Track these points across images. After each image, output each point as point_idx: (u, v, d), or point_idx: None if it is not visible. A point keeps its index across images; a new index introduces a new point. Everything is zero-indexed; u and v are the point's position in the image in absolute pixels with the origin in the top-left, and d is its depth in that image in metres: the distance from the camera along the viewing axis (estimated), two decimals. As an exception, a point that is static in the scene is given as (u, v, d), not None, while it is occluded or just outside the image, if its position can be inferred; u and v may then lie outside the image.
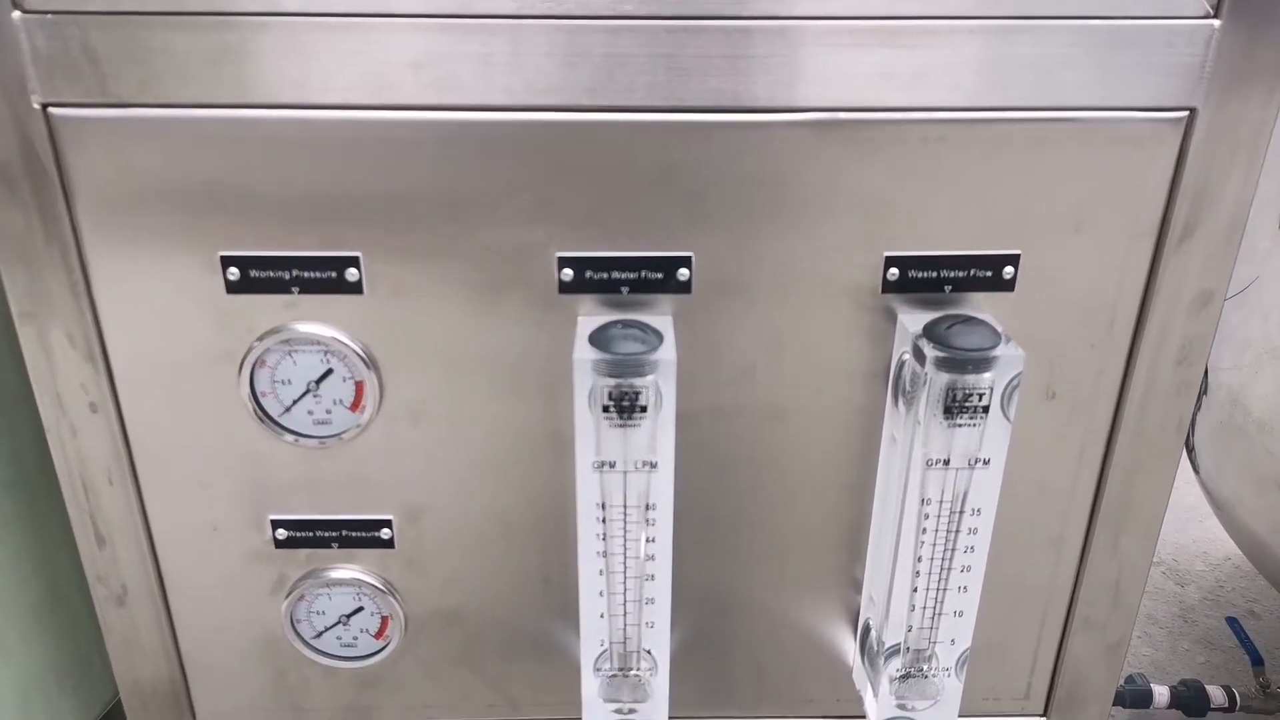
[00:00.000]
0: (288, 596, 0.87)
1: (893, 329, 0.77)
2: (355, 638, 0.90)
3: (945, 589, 0.80)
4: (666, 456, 0.74)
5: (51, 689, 1.04)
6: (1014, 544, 0.86)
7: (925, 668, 0.83)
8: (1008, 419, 0.73)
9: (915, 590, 0.80)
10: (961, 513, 0.77)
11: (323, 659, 0.91)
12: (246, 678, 0.92)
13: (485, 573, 0.87)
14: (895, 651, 0.83)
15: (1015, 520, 0.84)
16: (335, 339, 0.76)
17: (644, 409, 0.71)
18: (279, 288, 0.75)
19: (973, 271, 0.76)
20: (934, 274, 0.75)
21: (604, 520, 0.76)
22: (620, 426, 0.72)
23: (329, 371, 0.78)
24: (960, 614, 0.81)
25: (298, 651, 0.90)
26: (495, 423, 0.80)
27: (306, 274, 0.74)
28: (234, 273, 0.74)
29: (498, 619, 0.89)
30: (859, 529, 0.86)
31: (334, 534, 0.85)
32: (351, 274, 0.74)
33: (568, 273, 0.75)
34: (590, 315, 0.76)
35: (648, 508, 0.76)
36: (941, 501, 0.77)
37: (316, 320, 0.76)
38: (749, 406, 0.80)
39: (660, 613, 0.81)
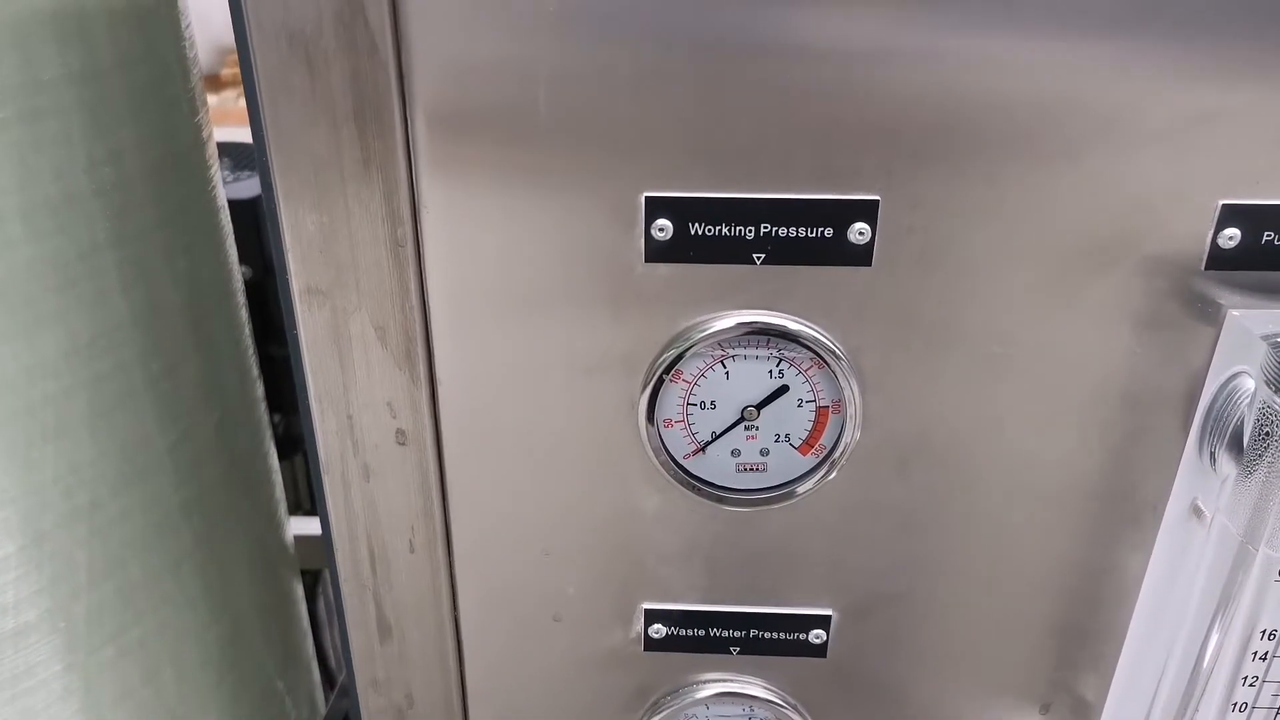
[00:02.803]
0: (647, 717, 0.58)
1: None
2: (736, 776, 0.61)
3: None
4: None
5: None
6: None
7: None
8: None
9: None
10: None
11: (682, 803, 0.62)
12: (567, 822, 0.63)
13: (945, 691, 0.57)
14: None
15: None
16: (806, 334, 0.46)
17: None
18: (732, 252, 0.45)
19: None
20: None
21: (1261, 655, 0.45)
22: (1342, 504, 0.41)
23: (781, 390, 0.48)
24: None
25: (648, 792, 0.61)
26: (1027, 473, 0.50)
27: (781, 231, 0.44)
28: (663, 227, 0.44)
29: (948, 757, 0.59)
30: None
31: (737, 634, 0.56)
32: (859, 232, 0.44)
33: (1231, 234, 0.43)
34: (1246, 309, 0.45)
35: (1340, 635, 0.45)
36: None
37: (778, 308, 0.46)
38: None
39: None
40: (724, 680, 0.57)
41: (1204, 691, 0.46)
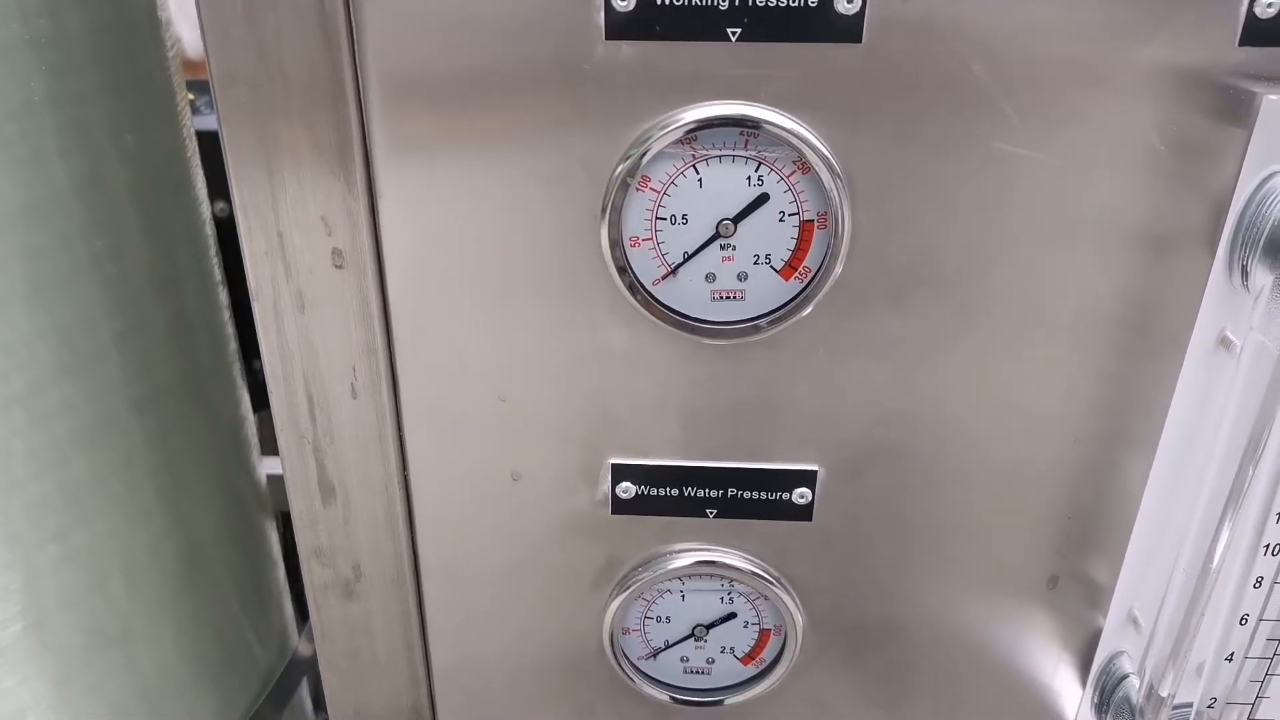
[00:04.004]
0: (618, 594, 0.53)
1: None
2: (711, 660, 0.56)
3: None
4: None
5: (186, 683, 0.72)
6: None
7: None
8: None
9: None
10: None
11: (655, 690, 0.57)
12: (529, 714, 0.58)
13: (943, 568, 0.52)
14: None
15: None
16: (789, 134, 0.41)
17: None
18: (703, 26, 0.39)
19: None
20: None
21: (1294, 487, 0.40)
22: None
23: (760, 200, 0.43)
24: None
25: (618, 677, 0.56)
26: (1040, 301, 0.45)
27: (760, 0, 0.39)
28: (625, -6, 0.39)
29: (950, 641, 0.54)
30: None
31: (714, 494, 0.50)
32: (846, 2, 0.39)
33: (1273, 1, 0.38)
34: (1289, 93, 0.39)
35: (1392, 466, 0.40)
36: None
37: (758, 99, 0.41)
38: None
39: (1337, 659, 0.44)
40: (700, 550, 0.52)
41: (1222, 532, 0.41)
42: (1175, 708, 0.46)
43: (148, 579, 0.68)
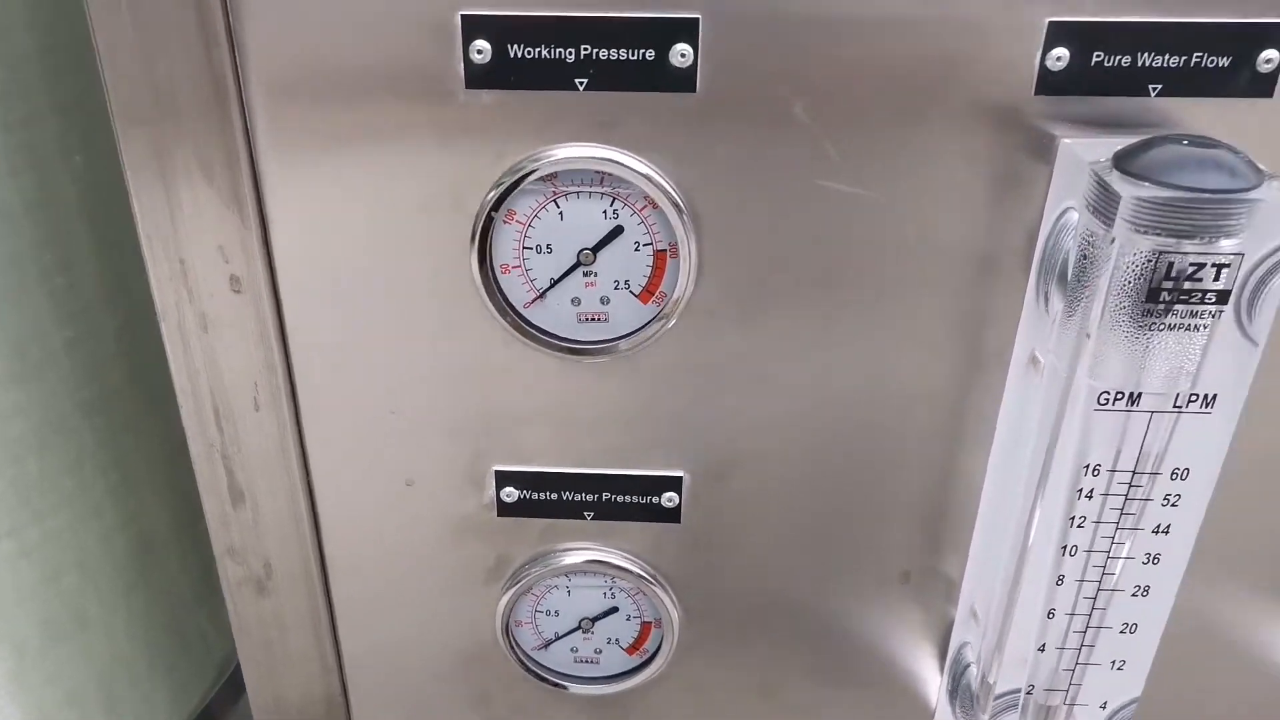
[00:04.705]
0: (508, 589, 0.57)
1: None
2: (599, 650, 0.60)
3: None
4: (1237, 387, 0.42)
5: (141, 672, 0.76)
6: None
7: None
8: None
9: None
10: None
11: (547, 679, 0.61)
12: (434, 702, 0.63)
13: (808, 564, 0.56)
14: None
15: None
16: (635, 173, 0.45)
17: (1223, 296, 0.39)
18: (551, 77, 0.44)
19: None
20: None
21: (1087, 493, 0.45)
22: (1164, 330, 0.40)
23: (616, 231, 0.47)
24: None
25: (513, 667, 0.60)
26: (875, 324, 0.49)
27: (602, 53, 0.43)
28: (482, 49, 0.43)
29: (818, 631, 0.59)
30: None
31: (590, 498, 0.55)
32: (681, 54, 0.43)
33: (1060, 54, 0.42)
34: (1079, 137, 0.44)
35: (1172, 475, 0.44)
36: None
37: (606, 141, 0.45)
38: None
39: (1142, 648, 0.49)
40: (580, 549, 0.56)
41: (1033, 527, 0.45)
42: (998, 696, 0.50)
43: (101, 572, 0.72)
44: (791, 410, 0.51)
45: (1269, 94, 0.42)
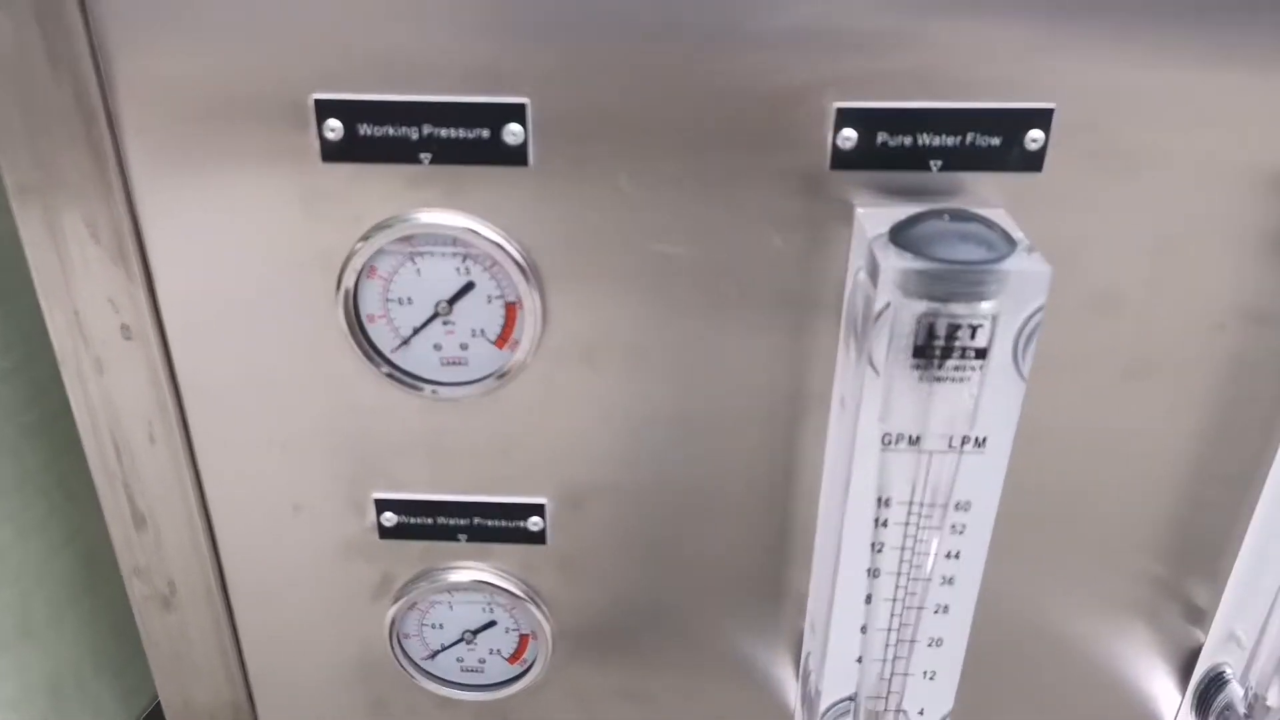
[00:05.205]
0: (394, 604, 0.62)
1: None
2: (483, 660, 0.66)
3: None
4: (1003, 431, 0.47)
5: (88, 677, 0.82)
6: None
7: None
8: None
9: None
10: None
11: (438, 687, 0.66)
12: (335, 708, 0.68)
13: (667, 580, 0.62)
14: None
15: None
16: (481, 236, 0.50)
17: (981, 353, 0.44)
18: (401, 153, 0.48)
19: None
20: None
21: (883, 522, 0.50)
22: (935, 380, 0.45)
23: (468, 286, 0.52)
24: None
25: (405, 676, 0.65)
26: (706, 367, 0.54)
27: (444, 132, 0.48)
28: (334, 128, 0.48)
29: (681, 641, 0.64)
30: (1209, 534, 0.59)
31: (462, 522, 0.60)
32: (512, 133, 0.48)
33: (849, 135, 0.47)
34: (876, 206, 0.49)
35: (956, 507, 0.49)
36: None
37: (454, 207, 0.50)
38: (1095, 353, 0.53)
39: (948, 660, 0.54)
40: (460, 568, 0.61)
41: (842, 554, 0.51)
42: (832, 703, 0.56)
43: (46, 584, 0.77)
44: (635, 443, 0.56)
45: (1038, 168, 0.47)
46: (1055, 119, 0.46)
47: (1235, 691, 0.60)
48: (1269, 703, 0.56)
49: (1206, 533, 0.59)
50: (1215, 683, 0.61)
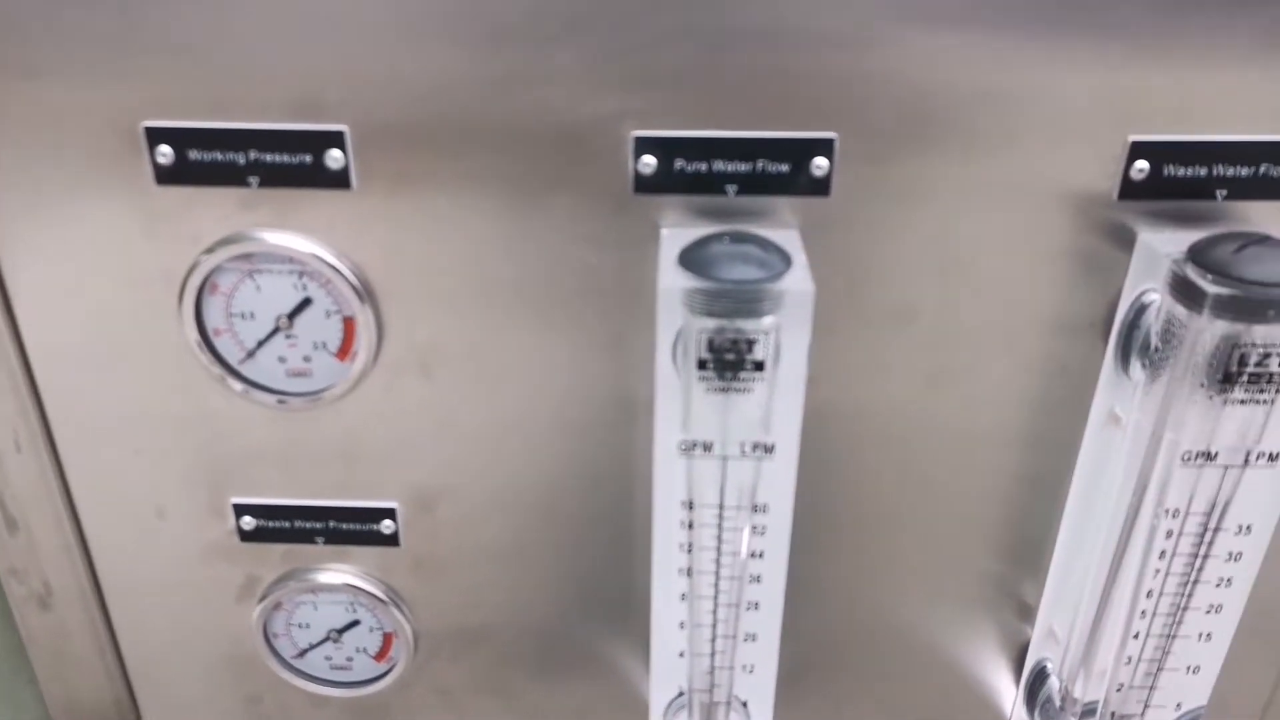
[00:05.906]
0: (260, 603, 0.65)
1: (1123, 258, 0.52)
2: (350, 658, 0.68)
3: (1179, 635, 0.56)
4: (788, 437, 0.50)
5: (4, 675, 0.83)
6: None
7: (1132, 740, 0.59)
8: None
9: (1135, 635, 0.56)
10: (1219, 530, 0.53)
11: (308, 684, 0.69)
12: (211, 703, 0.71)
13: (520, 579, 0.65)
14: (1090, 712, 0.59)
15: None
16: (313, 255, 0.53)
17: (760, 365, 0.47)
18: (230, 177, 0.51)
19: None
20: (1204, 171, 0.50)
21: (690, 525, 0.53)
22: (722, 391, 0.48)
23: (306, 302, 0.55)
24: (1197, 670, 0.57)
25: (275, 673, 0.68)
26: (538, 377, 0.57)
27: (269, 157, 0.51)
28: (165, 153, 0.51)
29: (537, 637, 0.67)
30: (1032, 534, 0.62)
31: (318, 525, 0.63)
32: (334, 159, 0.51)
33: (649, 161, 0.50)
34: (679, 227, 0.52)
35: (755, 509, 0.52)
36: (1191, 514, 0.52)
37: (286, 227, 0.53)
38: (897, 363, 0.56)
39: (764, 653, 0.57)
40: (320, 570, 0.64)
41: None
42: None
43: None
44: (478, 448, 0.59)
45: (826, 193, 0.51)
46: (836, 148, 0.49)
47: (1054, 685, 0.63)
48: (1074, 694, 0.59)
49: (1030, 533, 0.62)
50: (1040, 677, 0.64)
